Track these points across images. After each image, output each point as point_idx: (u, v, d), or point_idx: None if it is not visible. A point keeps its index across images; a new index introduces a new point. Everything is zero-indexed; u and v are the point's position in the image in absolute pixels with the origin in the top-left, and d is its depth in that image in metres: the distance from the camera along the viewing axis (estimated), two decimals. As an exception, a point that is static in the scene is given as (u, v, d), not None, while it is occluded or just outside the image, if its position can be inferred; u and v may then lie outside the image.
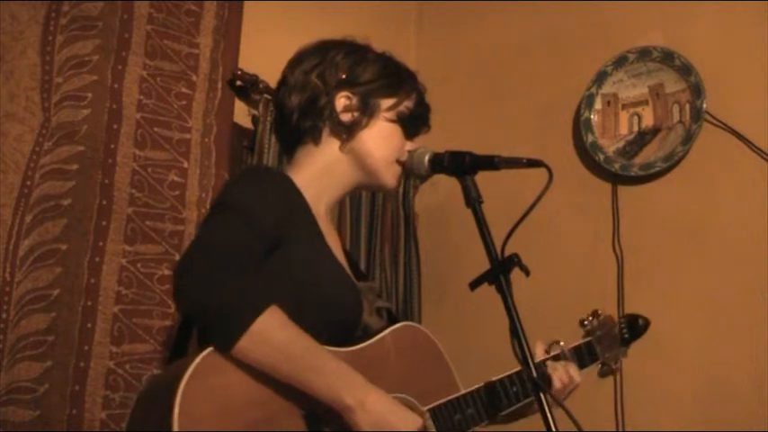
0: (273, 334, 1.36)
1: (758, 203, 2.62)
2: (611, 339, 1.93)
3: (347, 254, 1.79)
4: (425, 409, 1.57)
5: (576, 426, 1.35)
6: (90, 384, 2.16)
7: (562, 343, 1.83)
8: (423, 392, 1.59)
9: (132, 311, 2.28)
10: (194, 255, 1.42)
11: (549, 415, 1.39)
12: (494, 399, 1.67)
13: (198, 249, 1.44)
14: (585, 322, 1.90)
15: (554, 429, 1.37)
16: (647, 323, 1.96)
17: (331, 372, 1.40)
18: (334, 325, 1.55)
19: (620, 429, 2.70)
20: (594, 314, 1.92)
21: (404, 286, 3.08)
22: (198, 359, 1.34)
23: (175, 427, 1.27)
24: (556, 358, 1.79)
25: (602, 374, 1.95)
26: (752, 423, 2.46)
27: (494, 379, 1.69)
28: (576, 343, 1.87)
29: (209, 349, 1.36)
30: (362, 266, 2.85)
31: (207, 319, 1.36)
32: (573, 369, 1.76)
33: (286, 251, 1.53)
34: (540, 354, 1.78)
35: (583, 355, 1.87)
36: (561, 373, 1.74)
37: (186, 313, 1.42)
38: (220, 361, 1.35)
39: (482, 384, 1.68)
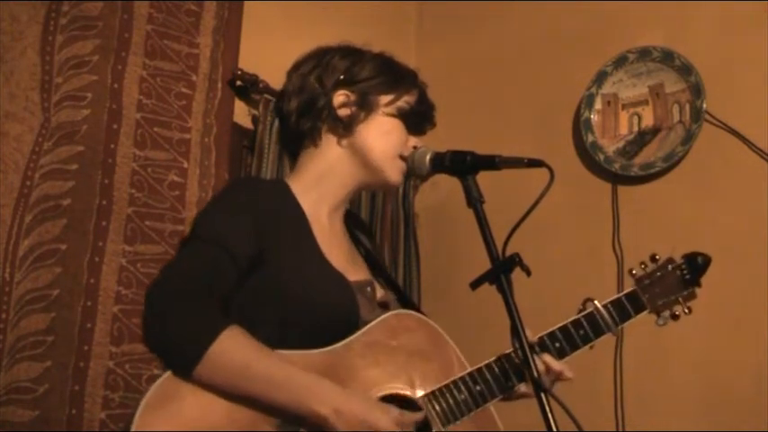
0: (230, 356, 1.36)
1: (758, 203, 2.62)
2: (668, 284, 1.83)
3: (368, 250, 1.78)
4: (422, 395, 1.55)
5: (577, 425, 1.35)
6: (89, 384, 2.16)
7: (596, 301, 1.74)
8: (423, 376, 1.57)
9: (132, 311, 2.27)
10: (159, 285, 1.44)
11: (549, 415, 1.38)
12: (505, 374, 1.63)
13: (163, 280, 1.45)
14: (635, 271, 1.81)
15: (554, 429, 1.37)
16: (706, 260, 1.85)
17: (298, 386, 1.39)
18: (332, 327, 1.54)
19: (620, 429, 2.70)
20: (652, 258, 1.83)
21: (403, 286, 3.08)
22: (153, 387, 1.34)
23: None
24: (589, 316, 1.72)
25: (664, 321, 1.81)
26: (752, 423, 2.46)
27: (501, 355, 1.65)
28: (617, 295, 1.77)
29: (166, 375, 1.36)
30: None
31: (165, 348, 1.38)
32: (548, 358, 1.67)
33: (272, 262, 1.53)
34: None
35: (624, 308, 1.76)
36: (537, 363, 1.66)
37: (147, 345, 1.42)
38: (180, 385, 1.35)
39: (491, 360, 1.64)
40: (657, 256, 1.84)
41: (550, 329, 1.72)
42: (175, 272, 1.47)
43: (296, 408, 1.38)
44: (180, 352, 1.36)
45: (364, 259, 1.76)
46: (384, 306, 1.67)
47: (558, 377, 1.68)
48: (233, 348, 1.37)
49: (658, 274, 1.83)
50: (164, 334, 1.37)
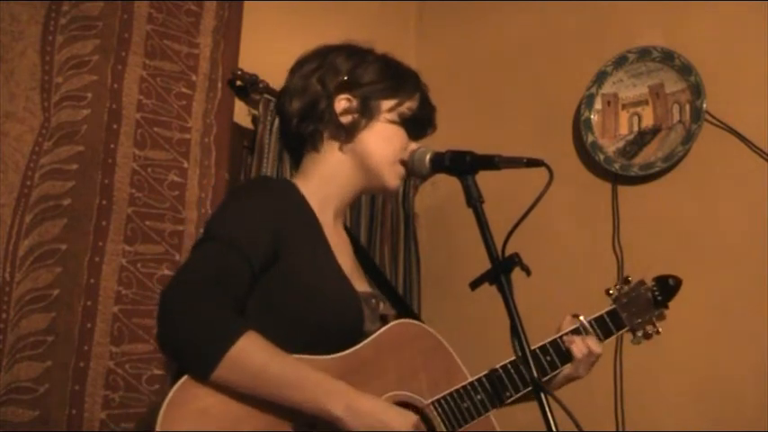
0: (248, 359, 1.36)
1: (758, 203, 2.62)
2: (641, 304, 1.90)
3: (365, 258, 1.79)
4: (428, 402, 1.57)
5: (576, 426, 1.35)
6: (90, 384, 2.16)
7: (582, 317, 1.83)
8: (427, 386, 1.59)
9: (132, 311, 2.28)
10: (173, 288, 1.42)
11: (549, 415, 1.38)
12: (503, 383, 1.67)
13: (177, 282, 1.44)
14: (611, 291, 1.89)
15: (554, 429, 1.37)
16: (677, 282, 1.93)
17: (313, 385, 1.39)
18: (336, 335, 1.54)
19: (620, 429, 2.70)
20: (624, 281, 1.91)
21: (404, 286, 3.08)
22: (173, 389, 1.33)
23: None
24: (575, 332, 1.80)
25: (638, 341, 1.91)
26: (752, 423, 2.46)
27: (499, 365, 1.69)
28: (598, 313, 1.86)
29: (185, 378, 1.36)
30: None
31: (182, 353, 1.37)
32: (591, 341, 1.78)
33: (286, 263, 1.52)
34: (566, 327, 1.80)
35: (606, 324, 1.85)
36: (580, 345, 1.76)
37: (163, 348, 1.41)
38: (198, 387, 1.35)
39: (492, 369, 1.67)
40: (630, 278, 1.92)
41: (598, 314, 1.84)
42: (190, 274, 1.45)
43: (310, 407, 1.38)
44: (198, 355, 1.35)
45: (363, 268, 1.76)
46: (383, 319, 1.69)
47: (594, 361, 1.80)
48: (250, 351, 1.37)
49: (633, 294, 1.91)
50: (181, 337, 1.36)
